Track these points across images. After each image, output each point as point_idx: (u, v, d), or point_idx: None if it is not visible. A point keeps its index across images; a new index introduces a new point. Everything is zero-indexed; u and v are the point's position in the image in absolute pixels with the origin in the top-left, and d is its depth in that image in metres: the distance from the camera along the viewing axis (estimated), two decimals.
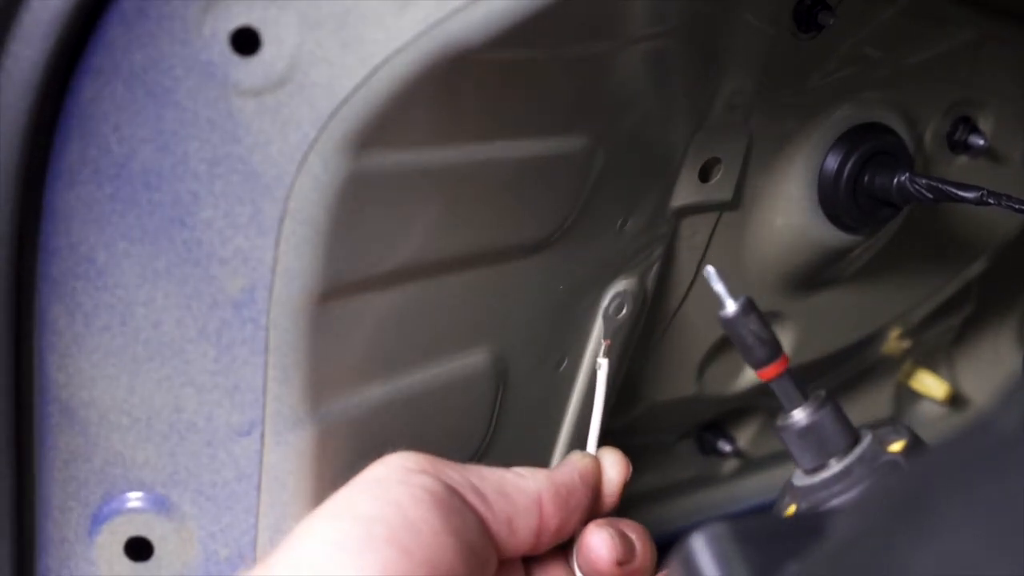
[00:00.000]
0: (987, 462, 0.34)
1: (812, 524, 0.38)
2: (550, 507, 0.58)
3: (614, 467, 0.63)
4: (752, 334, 0.55)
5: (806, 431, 0.56)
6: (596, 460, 0.63)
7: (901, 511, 0.35)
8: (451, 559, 0.52)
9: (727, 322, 0.56)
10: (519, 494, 0.57)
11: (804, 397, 0.56)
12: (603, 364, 0.66)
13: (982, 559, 0.31)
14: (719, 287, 0.56)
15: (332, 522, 0.52)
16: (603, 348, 0.66)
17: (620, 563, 0.59)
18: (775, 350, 0.56)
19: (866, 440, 0.56)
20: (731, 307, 0.55)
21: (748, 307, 0.56)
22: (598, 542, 0.59)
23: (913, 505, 0.35)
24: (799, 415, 0.56)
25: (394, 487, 0.53)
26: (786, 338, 0.83)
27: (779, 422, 0.57)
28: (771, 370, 0.56)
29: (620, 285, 0.69)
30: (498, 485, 0.57)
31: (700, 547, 0.39)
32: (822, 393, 0.57)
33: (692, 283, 0.75)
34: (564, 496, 0.60)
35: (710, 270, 0.56)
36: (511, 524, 0.57)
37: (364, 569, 0.49)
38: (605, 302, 0.69)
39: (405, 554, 0.50)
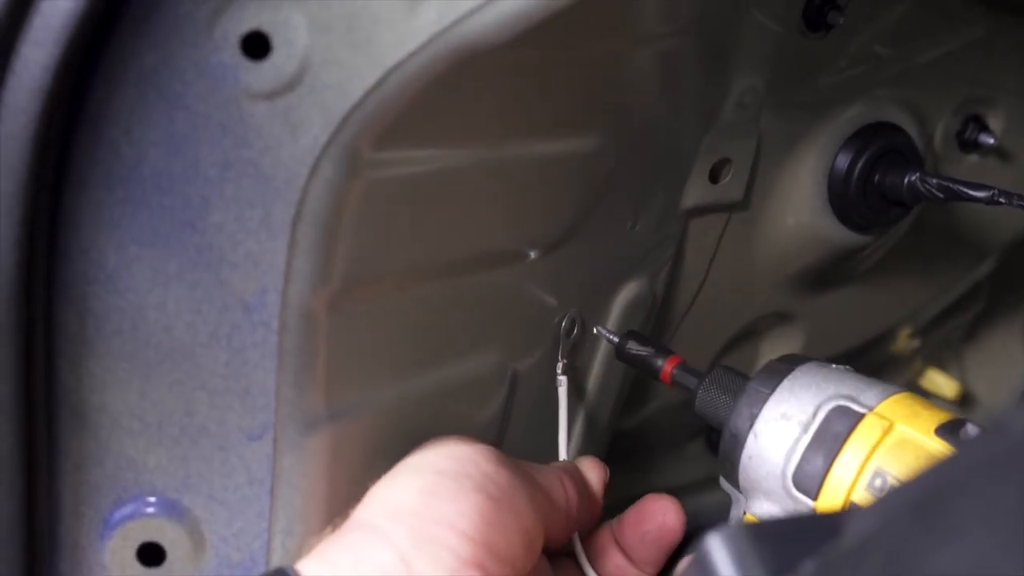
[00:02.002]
0: (1005, 464, 0.34)
1: (829, 524, 0.38)
2: (572, 491, 0.60)
3: (594, 471, 0.63)
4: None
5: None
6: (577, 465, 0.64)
7: (919, 511, 0.35)
8: (526, 510, 0.55)
9: (620, 353, 0.67)
10: (550, 475, 0.59)
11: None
12: (563, 381, 0.66)
13: (1000, 562, 0.31)
14: (605, 333, 0.68)
15: (416, 476, 0.54)
16: (559, 366, 0.66)
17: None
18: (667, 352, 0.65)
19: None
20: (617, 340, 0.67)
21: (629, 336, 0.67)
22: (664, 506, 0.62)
23: (931, 505, 0.34)
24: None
25: (466, 450, 0.56)
26: (796, 338, 0.83)
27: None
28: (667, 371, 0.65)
29: (631, 286, 0.69)
30: (531, 467, 0.59)
31: (716, 547, 0.38)
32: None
33: (703, 284, 0.75)
34: (583, 484, 0.61)
35: (598, 329, 0.68)
36: (550, 500, 0.58)
37: (461, 513, 0.52)
38: (614, 304, 0.69)
39: (493, 501, 0.53)
